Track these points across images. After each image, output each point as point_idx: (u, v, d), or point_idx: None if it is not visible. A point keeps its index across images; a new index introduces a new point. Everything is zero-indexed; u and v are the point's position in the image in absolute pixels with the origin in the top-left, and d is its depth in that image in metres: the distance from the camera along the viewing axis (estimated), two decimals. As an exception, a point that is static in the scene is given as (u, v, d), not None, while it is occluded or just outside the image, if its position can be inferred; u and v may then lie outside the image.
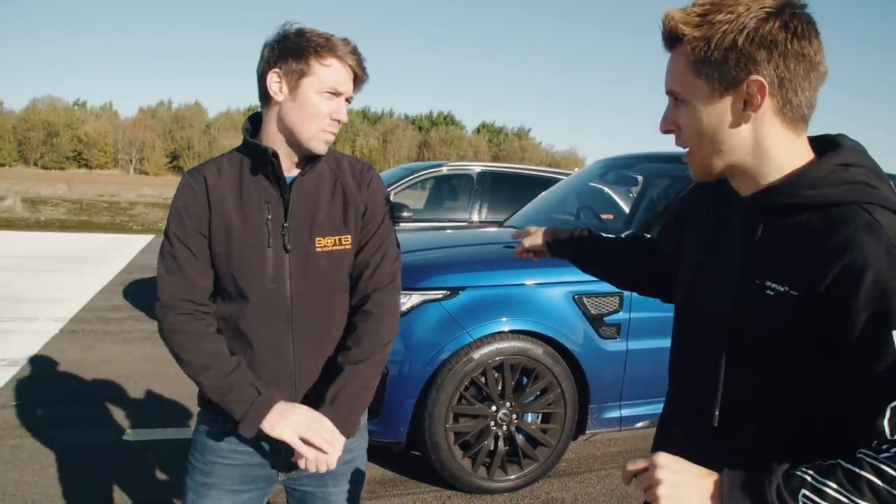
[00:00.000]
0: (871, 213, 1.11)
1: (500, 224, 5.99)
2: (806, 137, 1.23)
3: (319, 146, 1.78)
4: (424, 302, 3.83)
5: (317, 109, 1.73)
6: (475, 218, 7.69)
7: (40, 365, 5.95)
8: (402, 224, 7.01)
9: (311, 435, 1.69)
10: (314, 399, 1.81)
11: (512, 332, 3.86)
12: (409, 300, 3.82)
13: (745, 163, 1.23)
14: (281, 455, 1.86)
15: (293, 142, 1.77)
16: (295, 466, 1.80)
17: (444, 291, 3.86)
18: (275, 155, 1.74)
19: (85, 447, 4.29)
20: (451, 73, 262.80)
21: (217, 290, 1.82)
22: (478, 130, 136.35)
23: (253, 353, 1.79)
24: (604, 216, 5.52)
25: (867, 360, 1.07)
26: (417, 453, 3.96)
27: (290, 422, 1.69)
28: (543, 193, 6.20)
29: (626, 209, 5.34)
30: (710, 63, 1.17)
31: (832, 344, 1.11)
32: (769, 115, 1.18)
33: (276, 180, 1.77)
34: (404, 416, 3.78)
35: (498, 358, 3.82)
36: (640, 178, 5.58)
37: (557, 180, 7.44)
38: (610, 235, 1.93)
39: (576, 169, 9.02)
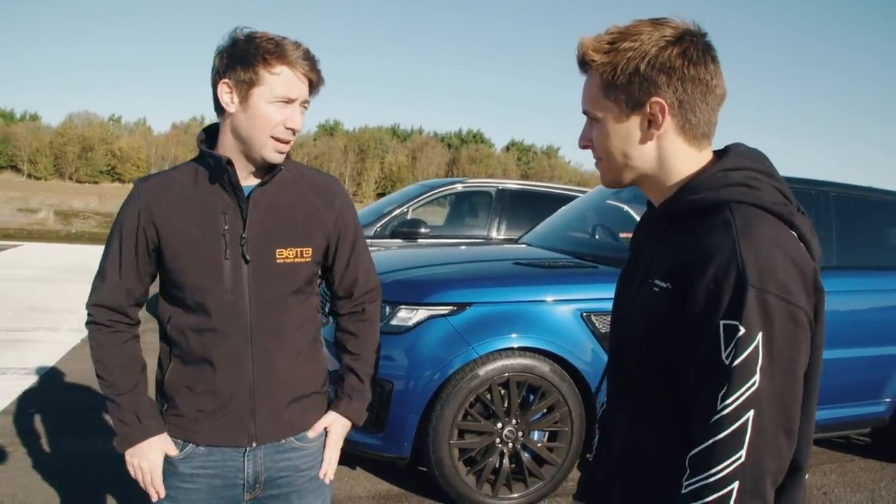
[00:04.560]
0: (732, 211, 1.19)
1: (515, 241, 5.97)
2: (709, 152, 1.33)
3: (272, 155, 1.75)
4: (431, 317, 3.83)
5: (268, 119, 1.70)
6: (494, 235, 7.67)
7: (59, 374, 6.04)
8: (419, 240, 7.02)
9: (141, 478, 1.84)
10: (271, 411, 1.85)
11: (518, 348, 3.85)
12: (415, 315, 3.83)
13: (651, 174, 1.33)
14: (244, 475, 1.85)
15: (247, 151, 1.75)
16: (259, 486, 1.87)
17: (450, 307, 3.86)
18: (230, 163, 1.73)
19: (97, 455, 4.33)
20: (482, 90, 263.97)
21: (179, 303, 1.80)
22: (507, 148, 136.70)
23: (213, 368, 1.78)
24: (622, 235, 5.48)
25: (698, 347, 1.16)
26: (424, 469, 3.94)
27: (138, 464, 1.83)
28: (560, 210, 6.17)
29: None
30: (617, 86, 1.27)
31: (684, 332, 1.19)
32: (671, 132, 1.28)
33: (233, 190, 1.75)
34: (409, 431, 3.77)
35: (504, 374, 3.81)
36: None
37: (577, 198, 7.41)
38: None
39: (598, 187, 8.97)
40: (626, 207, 5.70)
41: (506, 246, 5.74)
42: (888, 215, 5.43)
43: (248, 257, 1.76)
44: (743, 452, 1.10)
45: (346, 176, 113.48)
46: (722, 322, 1.12)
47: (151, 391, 1.87)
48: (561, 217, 5.99)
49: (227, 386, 1.79)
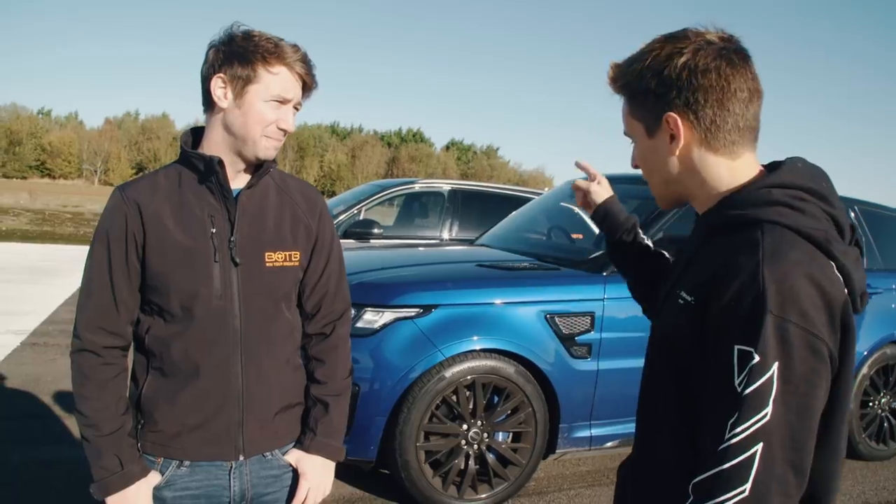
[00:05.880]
0: (763, 232, 1.15)
1: (471, 242, 6.00)
2: (749, 159, 1.28)
3: (266, 152, 1.73)
4: (397, 319, 3.81)
5: (262, 117, 1.68)
6: (445, 235, 7.69)
7: (1, 378, 5.82)
8: (372, 241, 6.99)
9: None
10: (259, 421, 1.79)
11: (484, 350, 3.86)
12: (381, 317, 3.81)
13: (689, 189, 1.32)
14: (230, 493, 1.79)
15: (238, 149, 1.72)
16: (246, 503, 1.82)
17: (417, 309, 3.85)
18: (220, 164, 1.69)
19: (43, 463, 4.18)
20: (422, 89, 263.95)
21: (160, 311, 1.73)
22: (447, 148, 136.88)
23: (199, 377, 1.72)
24: (574, 236, 5.56)
25: (711, 368, 1.12)
26: (387, 472, 3.92)
27: None
28: (515, 213, 6.22)
29: (596, 229, 5.38)
30: (638, 106, 1.30)
31: (703, 348, 1.16)
32: (695, 144, 1.26)
33: (221, 192, 1.72)
34: (375, 434, 3.74)
35: (470, 377, 3.81)
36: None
37: (528, 199, 7.48)
38: (648, 243, 1.85)
39: (546, 189, 9.07)
40: (576, 209, 5.78)
41: (466, 247, 5.75)
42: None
43: (237, 260, 1.72)
44: (748, 486, 1.05)
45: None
46: (737, 346, 1.08)
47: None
48: (516, 219, 6.03)
49: (215, 396, 1.73)
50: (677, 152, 1.27)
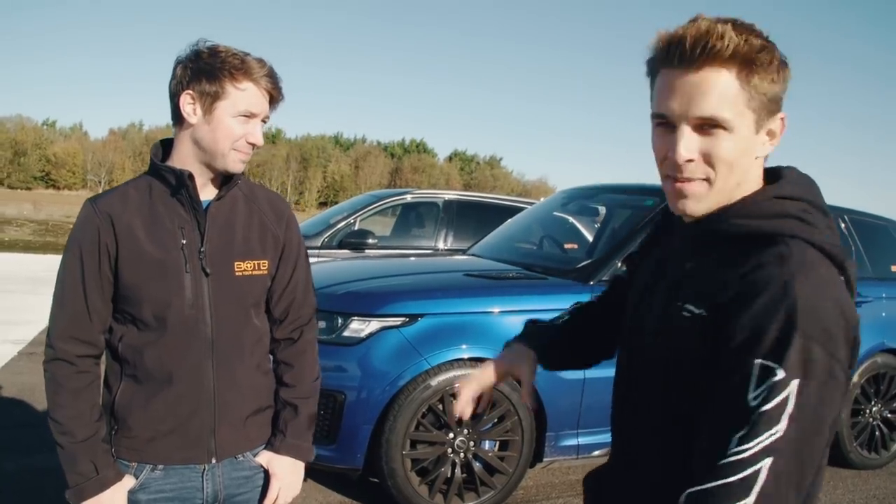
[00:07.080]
0: (788, 245, 1.10)
1: (463, 252, 6.03)
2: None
3: (235, 165, 1.77)
4: (383, 328, 3.85)
5: (231, 132, 1.72)
6: (441, 246, 7.72)
7: (-4, 388, 5.85)
8: (367, 251, 7.03)
9: None
10: (232, 425, 1.84)
11: (470, 359, 3.89)
12: (367, 327, 3.84)
13: (727, 194, 1.20)
14: (203, 494, 1.83)
15: (208, 162, 1.76)
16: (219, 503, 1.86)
17: (402, 318, 3.88)
18: (191, 177, 1.73)
19: (37, 472, 4.21)
20: (425, 100, 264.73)
21: (133, 320, 1.77)
22: (450, 158, 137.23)
23: (172, 384, 1.76)
24: (567, 246, 5.59)
25: (723, 381, 1.07)
26: (375, 479, 3.95)
27: None
28: (507, 222, 6.24)
29: (590, 239, 5.42)
30: (764, 96, 1.13)
31: (714, 362, 1.10)
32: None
33: (192, 204, 1.76)
34: (361, 442, 3.77)
35: (456, 385, 3.83)
36: (602, 208, 5.65)
37: (523, 209, 7.51)
38: (555, 325, 1.76)
39: (542, 198, 9.11)
40: (571, 219, 5.82)
41: (456, 257, 5.79)
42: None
43: (208, 271, 1.76)
44: (751, 501, 1.00)
45: (288, 185, 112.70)
46: (759, 361, 1.03)
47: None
48: (509, 228, 6.06)
49: (188, 402, 1.77)
50: (765, 153, 1.19)
